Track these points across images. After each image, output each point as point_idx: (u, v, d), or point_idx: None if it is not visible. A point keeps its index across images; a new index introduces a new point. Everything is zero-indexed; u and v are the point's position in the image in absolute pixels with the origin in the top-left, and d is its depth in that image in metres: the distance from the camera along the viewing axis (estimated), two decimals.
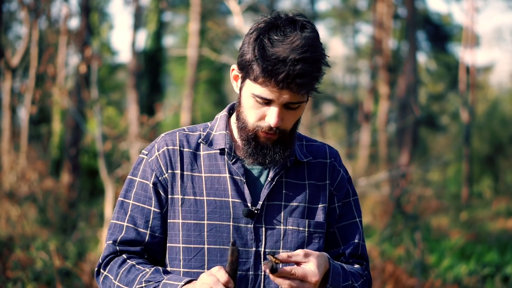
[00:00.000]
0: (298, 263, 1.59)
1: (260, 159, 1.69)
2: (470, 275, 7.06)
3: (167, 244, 1.76)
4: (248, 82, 1.67)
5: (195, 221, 1.72)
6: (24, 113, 11.19)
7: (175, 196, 1.74)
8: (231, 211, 1.71)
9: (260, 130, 1.67)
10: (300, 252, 1.58)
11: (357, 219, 1.83)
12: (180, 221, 1.73)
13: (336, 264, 1.69)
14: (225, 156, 1.75)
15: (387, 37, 18.58)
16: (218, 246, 1.71)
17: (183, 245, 1.72)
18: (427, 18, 21.58)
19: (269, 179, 1.74)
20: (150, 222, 1.74)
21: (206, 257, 1.71)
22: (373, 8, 20.24)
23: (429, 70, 23.68)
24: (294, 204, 1.75)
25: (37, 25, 9.50)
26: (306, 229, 1.75)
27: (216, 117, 1.84)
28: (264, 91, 1.63)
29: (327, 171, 1.82)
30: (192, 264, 1.71)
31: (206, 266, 1.70)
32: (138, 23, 15.21)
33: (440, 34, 21.98)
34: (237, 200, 1.72)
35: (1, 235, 6.95)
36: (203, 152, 1.77)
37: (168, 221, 1.74)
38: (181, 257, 1.72)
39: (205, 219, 1.71)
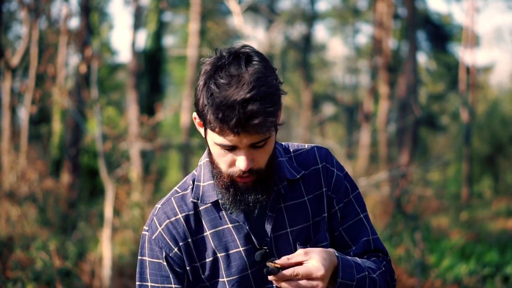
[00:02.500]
0: (299, 263, 1.54)
1: (244, 206, 1.62)
2: (470, 275, 7.06)
3: None
4: (208, 131, 1.58)
5: (215, 280, 1.69)
6: (24, 113, 11.18)
7: (194, 265, 1.69)
8: (245, 259, 1.67)
9: (235, 175, 1.59)
10: (300, 251, 1.54)
11: (361, 215, 1.77)
12: (207, 283, 1.70)
13: (345, 257, 1.63)
14: (221, 207, 1.68)
15: (387, 37, 18.58)
16: None
17: None
18: (427, 18, 21.59)
19: (268, 212, 1.68)
20: None
21: None
22: (373, 8, 20.23)
23: (429, 70, 23.68)
24: (300, 226, 1.71)
25: (37, 25, 9.49)
26: (315, 243, 1.72)
27: (199, 164, 1.75)
28: (223, 139, 1.54)
29: (321, 177, 1.75)
30: None
31: None
32: (138, 23, 15.22)
33: (440, 34, 21.98)
34: (247, 247, 1.67)
35: (1, 235, 6.95)
36: (200, 208, 1.70)
37: None
38: None
39: (224, 276, 1.68)
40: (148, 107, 15.81)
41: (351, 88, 30.28)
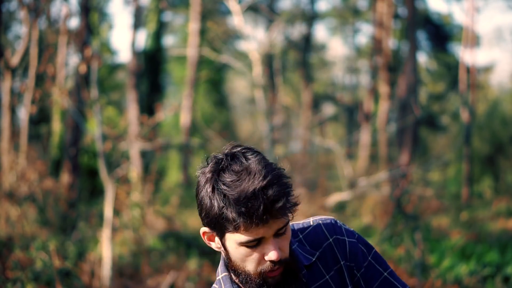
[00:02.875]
0: None
1: None
2: (470, 275, 7.05)
3: None
4: (228, 235, 1.57)
5: None
6: (24, 113, 11.18)
7: None
8: None
9: (266, 272, 1.59)
10: None
11: (385, 274, 1.76)
12: None
13: None
14: None
15: (387, 37, 18.57)
16: None
17: None
18: (428, 18, 21.58)
19: None
20: None
21: None
22: (373, 8, 20.23)
23: (429, 70, 23.67)
24: None
25: (37, 25, 9.49)
26: None
27: (217, 278, 1.75)
28: (251, 234, 1.54)
29: (336, 250, 1.73)
30: None
31: None
32: (138, 23, 15.21)
33: (441, 34, 21.98)
34: None
35: (1, 235, 6.94)
36: None
37: None
38: None
39: None
40: (148, 107, 15.81)
41: (351, 88, 30.27)
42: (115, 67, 23.19)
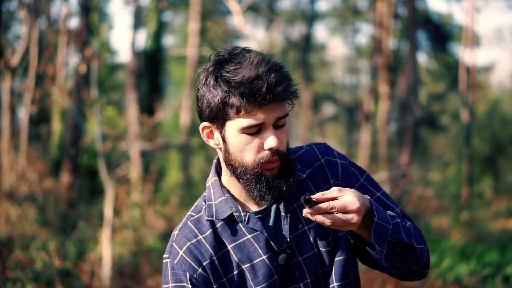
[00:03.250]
0: (334, 198, 1.54)
1: (276, 194, 1.63)
2: (470, 275, 7.05)
3: None
4: (229, 123, 1.60)
5: None
6: (23, 113, 11.18)
7: (221, 281, 1.70)
8: (270, 266, 1.69)
9: (264, 162, 1.61)
10: (334, 188, 1.54)
11: (378, 194, 1.77)
12: None
13: (377, 205, 1.64)
14: (237, 220, 1.70)
15: (387, 37, 18.56)
16: None
17: None
18: (428, 18, 21.58)
19: (283, 214, 1.70)
20: None
21: None
22: (373, 8, 20.22)
23: (429, 70, 23.67)
24: (315, 223, 1.71)
25: (37, 25, 9.48)
26: (333, 244, 1.73)
27: (207, 185, 1.76)
28: (253, 118, 1.57)
29: (327, 171, 1.75)
30: None
31: None
32: (138, 22, 15.21)
33: (441, 34, 21.97)
34: (269, 254, 1.69)
35: (1, 235, 6.94)
36: (217, 226, 1.71)
37: None
38: None
39: (253, 286, 1.69)
40: (148, 107, 15.80)
41: (351, 88, 30.27)
42: (115, 67, 23.19)
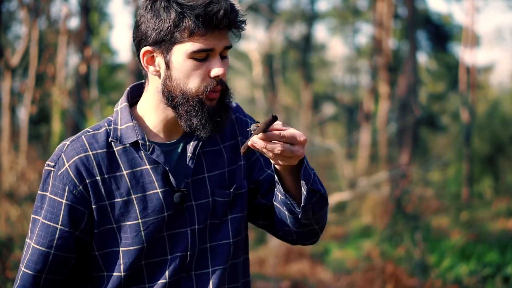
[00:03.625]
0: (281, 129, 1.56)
1: (215, 125, 1.63)
2: (470, 275, 7.05)
3: (101, 252, 1.67)
4: (177, 48, 1.59)
5: (130, 222, 1.66)
6: (23, 113, 11.18)
7: (101, 204, 1.65)
8: (163, 201, 1.66)
9: (207, 91, 1.60)
10: (278, 122, 1.53)
11: None
12: (114, 225, 1.66)
13: None
14: (141, 148, 1.66)
15: (387, 37, 18.56)
16: (155, 237, 1.68)
17: (122, 249, 1.66)
18: (428, 18, 21.58)
19: (189, 154, 1.70)
20: (58, 240, 1.65)
21: (144, 252, 1.66)
22: (373, 8, 20.22)
23: (430, 70, 23.67)
24: (216, 172, 1.73)
25: (37, 25, 9.48)
26: (232, 197, 1.74)
27: (115, 110, 1.73)
28: (204, 42, 1.58)
29: (236, 127, 1.79)
30: (129, 260, 1.66)
31: (144, 260, 1.67)
32: None
33: (441, 34, 21.97)
34: (165, 189, 1.66)
35: (1, 235, 6.94)
36: (117, 148, 1.67)
37: (100, 229, 1.65)
38: (121, 260, 1.66)
39: (139, 217, 1.65)
40: None
41: (351, 88, 30.26)
42: (115, 67, 23.19)
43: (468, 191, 16.00)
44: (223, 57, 1.64)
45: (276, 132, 1.50)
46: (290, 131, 1.51)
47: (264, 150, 1.51)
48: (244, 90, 28.88)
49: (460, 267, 7.33)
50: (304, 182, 1.60)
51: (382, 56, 18.32)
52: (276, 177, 1.63)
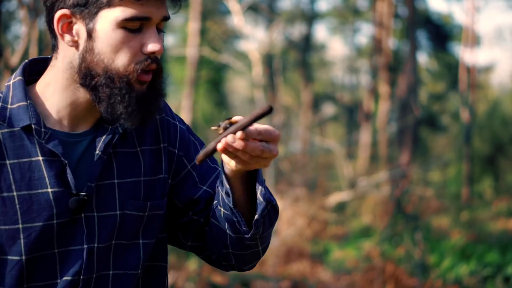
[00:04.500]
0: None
1: (145, 115, 1.30)
2: (470, 275, 7.04)
3: None
4: (105, 13, 1.26)
5: (7, 227, 1.28)
6: None
7: None
8: (53, 205, 1.29)
9: (139, 70, 1.27)
10: (239, 117, 1.24)
11: (220, 169, 1.39)
12: None
13: None
14: (34, 134, 1.29)
15: (387, 36, 18.56)
16: (41, 253, 1.30)
17: None
18: (428, 17, 21.58)
19: (98, 151, 1.32)
20: None
21: (25, 272, 1.29)
22: (373, 8, 20.22)
23: (430, 69, 23.67)
24: (129, 180, 1.36)
25: (37, 25, 9.48)
26: (146, 213, 1.37)
27: (6, 85, 1.35)
28: (140, 9, 1.26)
29: (159, 131, 1.41)
30: (8, 282, 1.29)
31: (26, 284, 1.29)
32: None
33: (441, 33, 21.97)
34: (58, 190, 1.29)
35: None
36: (1, 131, 1.30)
37: None
38: None
39: (19, 222, 1.28)
40: None
41: (351, 88, 30.26)
42: None
43: (468, 191, 15.99)
44: (159, 30, 1.31)
45: (253, 129, 1.19)
46: (262, 126, 1.21)
47: (239, 152, 1.20)
48: (244, 90, 28.91)
49: (460, 267, 7.32)
50: (261, 189, 1.29)
51: (382, 56, 18.31)
52: (226, 189, 1.30)
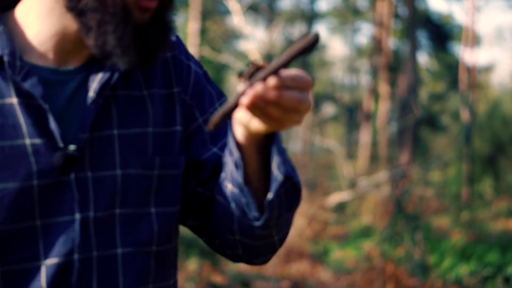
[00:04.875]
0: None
1: (146, 52, 1.00)
2: (471, 275, 7.04)
3: None
4: None
5: None
6: None
7: None
8: (32, 160, 0.98)
9: None
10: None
11: None
12: None
13: None
14: (6, 68, 0.98)
15: (387, 36, 18.56)
16: (17, 226, 0.97)
17: None
18: (428, 17, 21.59)
19: (92, 93, 1.01)
20: None
21: None
22: (374, 8, 20.23)
23: (430, 69, 23.68)
24: (133, 131, 1.05)
25: None
26: (157, 171, 1.06)
27: None
28: None
29: (172, 71, 1.11)
30: None
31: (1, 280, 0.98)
32: None
33: (441, 33, 21.98)
34: (39, 141, 0.98)
35: None
36: None
37: None
38: None
39: None
40: None
41: (351, 88, 30.28)
42: None
43: (468, 191, 16.00)
44: None
45: (286, 74, 0.86)
46: (292, 71, 0.88)
47: (271, 107, 0.87)
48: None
49: (460, 268, 7.32)
50: (279, 160, 0.98)
51: (382, 56, 18.32)
52: (236, 159, 0.99)
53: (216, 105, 1.14)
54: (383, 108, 18.72)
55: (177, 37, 1.15)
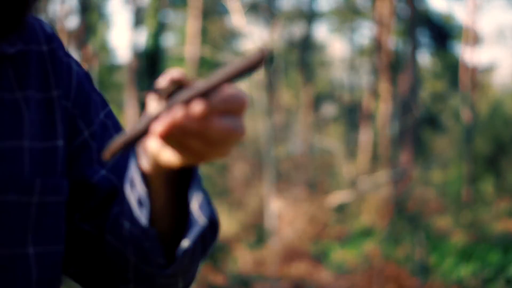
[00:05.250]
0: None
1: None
2: (472, 276, 7.00)
3: None
4: None
5: None
6: None
7: None
8: None
9: None
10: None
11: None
12: None
13: None
14: None
15: (388, 36, 18.52)
16: None
17: None
18: (429, 17, 21.55)
19: None
20: None
21: None
22: (374, 7, 20.20)
23: (431, 69, 23.64)
24: (5, 144, 0.78)
25: None
26: (36, 199, 0.79)
27: None
28: None
29: (49, 69, 0.84)
30: None
31: None
32: (137, 22, 15.17)
33: (442, 33, 21.94)
34: None
35: None
36: None
37: None
38: None
39: None
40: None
41: (351, 88, 30.23)
42: (114, 67, 23.18)
43: (469, 191, 15.95)
44: None
45: (219, 95, 0.64)
46: (225, 90, 0.64)
47: (193, 137, 0.64)
48: (244, 90, 28.88)
49: (461, 268, 7.28)
50: (200, 198, 0.75)
51: (383, 56, 18.27)
52: (139, 195, 0.75)
53: (101, 115, 0.88)
54: (384, 108, 18.68)
55: (52, 29, 0.91)
